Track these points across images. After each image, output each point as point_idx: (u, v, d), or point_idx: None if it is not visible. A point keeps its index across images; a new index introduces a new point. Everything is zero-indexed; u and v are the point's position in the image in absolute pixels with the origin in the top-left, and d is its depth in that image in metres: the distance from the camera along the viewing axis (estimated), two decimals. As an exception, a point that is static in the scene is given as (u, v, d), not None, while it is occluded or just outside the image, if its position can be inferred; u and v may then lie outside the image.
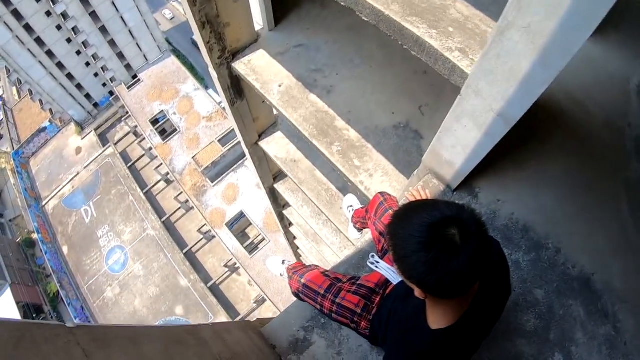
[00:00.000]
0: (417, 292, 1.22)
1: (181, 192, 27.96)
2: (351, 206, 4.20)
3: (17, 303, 28.23)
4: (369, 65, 3.37)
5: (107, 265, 27.91)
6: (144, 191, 29.48)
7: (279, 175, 6.42)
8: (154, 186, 30.25)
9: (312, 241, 7.33)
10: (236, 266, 26.32)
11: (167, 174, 28.89)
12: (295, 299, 2.48)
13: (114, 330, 1.11)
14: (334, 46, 3.46)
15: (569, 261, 2.13)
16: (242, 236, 27.00)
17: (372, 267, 2.10)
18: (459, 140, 2.03)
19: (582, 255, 2.13)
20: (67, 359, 0.92)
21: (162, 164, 28.86)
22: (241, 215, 26.22)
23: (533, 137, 2.42)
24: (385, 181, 3.01)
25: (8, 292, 28.33)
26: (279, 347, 2.36)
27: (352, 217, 3.62)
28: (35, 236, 30.72)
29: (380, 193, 2.42)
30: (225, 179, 26.95)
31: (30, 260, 32.25)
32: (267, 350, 2.26)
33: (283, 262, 3.67)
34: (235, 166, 26.91)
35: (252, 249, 26.08)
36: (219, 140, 27.36)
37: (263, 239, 25.74)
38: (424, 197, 2.34)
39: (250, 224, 26.45)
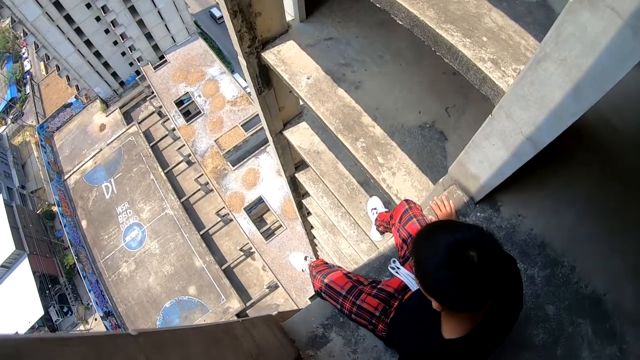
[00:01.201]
0: (435, 305, 1.30)
1: (202, 174, 28.20)
2: (375, 209, 4.26)
3: (34, 273, 28.82)
4: (398, 62, 3.35)
5: (125, 241, 28.35)
6: (165, 171, 29.79)
7: (301, 165, 6.43)
8: (175, 166, 30.53)
9: (329, 232, 7.34)
10: (251, 251, 26.51)
11: (189, 155, 29.14)
12: (317, 297, 2.54)
13: (166, 334, 1.19)
14: (364, 41, 3.44)
15: (583, 280, 2.14)
16: (259, 221, 27.17)
17: (393, 272, 2.19)
18: (487, 157, 2.07)
19: (596, 275, 2.14)
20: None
21: (184, 145, 29.11)
22: (260, 200, 26.37)
23: (557, 153, 2.38)
24: (407, 180, 3.01)
25: (26, 262, 28.93)
26: (298, 341, 2.40)
27: (376, 219, 3.68)
28: (55, 209, 31.31)
29: (405, 200, 2.48)
30: (246, 164, 27.09)
31: (49, 232, 32.89)
32: (287, 344, 2.30)
33: (305, 258, 3.75)
34: (257, 151, 27.01)
35: (268, 234, 26.25)
36: (242, 125, 27.46)
37: (280, 226, 25.88)
38: (448, 207, 2.41)
39: (268, 209, 26.60)
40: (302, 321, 2.52)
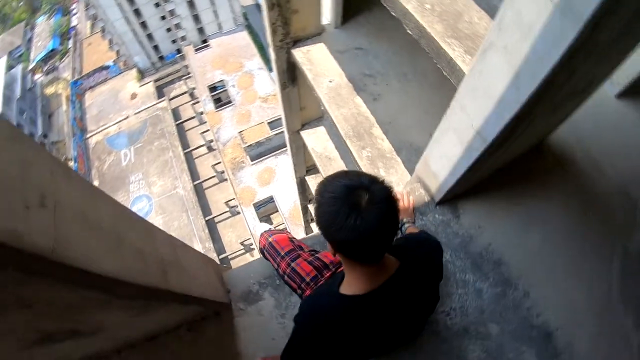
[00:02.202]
0: (328, 246, 1.32)
1: (219, 162, 28.37)
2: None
3: None
4: (420, 83, 3.43)
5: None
6: (185, 151, 30.02)
7: (312, 169, 6.51)
8: (195, 149, 30.75)
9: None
10: (252, 247, 26.54)
11: (211, 141, 29.36)
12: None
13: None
14: (392, 57, 3.53)
15: (535, 308, 2.11)
16: (265, 220, 27.15)
17: None
18: (445, 153, 2.08)
19: (552, 307, 2.10)
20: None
21: (208, 130, 29.34)
22: (270, 199, 26.43)
23: (536, 177, 2.41)
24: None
25: None
26: (233, 292, 2.45)
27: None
28: (71, 164, 31.60)
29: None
30: (264, 161, 27.20)
31: (60, 187, 33.24)
32: (222, 290, 2.35)
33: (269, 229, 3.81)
34: (277, 152, 27.10)
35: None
36: (268, 123, 27.62)
37: (285, 229, 25.81)
38: (406, 202, 2.46)
39: (277, 211, 26.63)
40: (240, 275, 2.56)
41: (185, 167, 29.18)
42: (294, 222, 25.11)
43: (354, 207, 1.17)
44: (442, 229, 2.43)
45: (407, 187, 2.65)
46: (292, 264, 2.15)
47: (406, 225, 2.29)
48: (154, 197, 28.72)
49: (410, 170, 3.13)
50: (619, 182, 2.27)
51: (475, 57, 1.52)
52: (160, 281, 1.36)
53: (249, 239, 26.19)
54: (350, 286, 1.41)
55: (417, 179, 2.60)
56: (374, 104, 3.35)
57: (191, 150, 30.66)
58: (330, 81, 3.42)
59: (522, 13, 1.21)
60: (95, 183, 29.74)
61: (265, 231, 2.47)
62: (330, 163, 4.91)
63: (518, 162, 2.41)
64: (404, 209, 2.42)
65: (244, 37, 32.59)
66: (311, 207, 7.76)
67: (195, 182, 28.99)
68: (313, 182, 6.55)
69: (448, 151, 2.03)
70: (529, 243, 2.29)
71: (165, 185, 29.10)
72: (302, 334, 1.56)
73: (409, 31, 2.05)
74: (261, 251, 2.40)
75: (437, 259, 1.67)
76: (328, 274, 2.08)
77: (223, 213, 28.33)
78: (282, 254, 2.23)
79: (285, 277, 2.17)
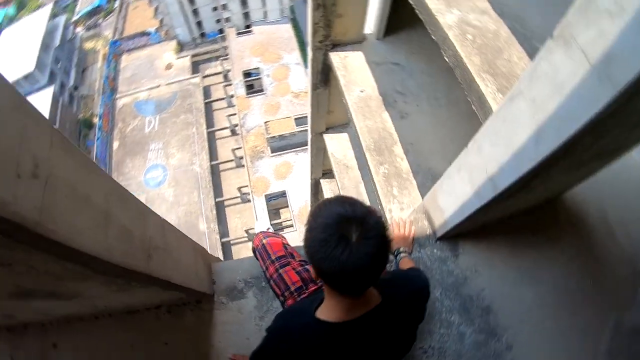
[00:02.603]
0: (310, 268, 1.31)
1: (240, 147, 28.46)
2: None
3: None
4: (450, 110, 3.39)
5: (144, 176, 28.74)
6: (208, 130, 30.18)
7: (329, 173, 6.50)
8: (218, 130, 30.93)
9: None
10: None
11: (236, 125, 29.47)
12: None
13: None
14: (427, 79, 3.50)
15: None
16: (274, 213, 27.20)
17: None
18: (454, 190, 2.03)
19: None
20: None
21: (235, 114, 29.48)
22: (283, 194, 26.44)
23: (544, 231, 2.31)
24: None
25: None
26: (218, 285, 2.44)
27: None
28: (95, 120, 31.90)
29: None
30: (284, 155, 27.22)
31: (81, 139, 33.51)
32: (207, 281, 2.36)
33: (268, 229, 3.78)
34: (298, 148, 27.11)
35: (277, 229, 26.25)
36: (295, 118, 27.65)
37: (291, 226, 25.86)
38: (407, 230, 2.41)
39: (287, 206, 26.65)
40: (229, 269, 2.55)
41: (206, 146, 29.33)
42: (302, 220, 25.09)
43: (343, 239, 1.12)
44: (438, 265, 2.36)
45: (411, 215, 2.61)
46: (280, 270, 2.13)
47: (402, 254, 2.25)
48: (170, 168, 28.91)
49: (423, 195, 3.08)
50: (630, 253, 2.17)
51: (502, 101, 1.46)
52: (143, 265, 1.35)
53: (253, 228, 26.24)
54: (327, 311, 1.37)
55: (423, 209, 2.55)
56: (401, 121, 3.31)
57: (214, 131, 30.81)
58: (362, 91, 3.39)
59: (557, 67, 1.14)
60: (115, 144, 30.06)
61: (261, 231, 2.46)
62: (347, 171, 4.89)
63: (529, 212, 2.33)
64: (403, 237, 2.38)
65: (287, 29, 32.69)
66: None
67: (213, 163, 29.13)
68: (327, 186, 6.54)
69: (458, 189, 1.97)
70: (522, 298, 2.22)
71: (182, 159, 29.28)
72: (270, 346, 1.53)
73: (445, 58, 2.00)
74: (253, 250, 2.38)
75: (421, 302, 1.62)
76: (313, 288, 2.05)
77: (234, 198, 28.43)
78: (273, 258, 2.21)
79: (271, 281, 2.15)
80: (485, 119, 1.79)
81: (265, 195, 26.20)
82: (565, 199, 2.34)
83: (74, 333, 2.14)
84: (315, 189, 7.10)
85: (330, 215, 1.17)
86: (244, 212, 28.16)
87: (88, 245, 1.03)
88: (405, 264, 2.16)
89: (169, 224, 1.83)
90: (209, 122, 30.97)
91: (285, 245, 2.33)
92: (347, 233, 1.13)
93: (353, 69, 3.47)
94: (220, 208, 28.00)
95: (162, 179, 28.67)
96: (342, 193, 4.90)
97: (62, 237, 0.93)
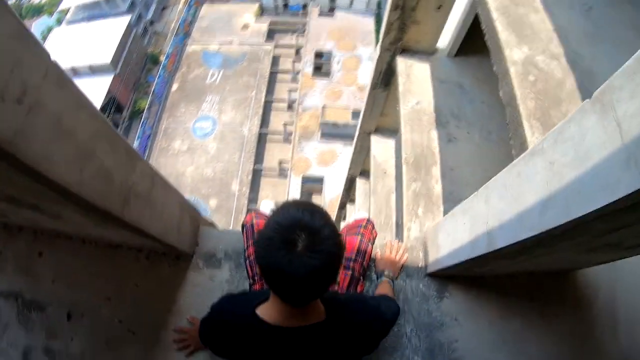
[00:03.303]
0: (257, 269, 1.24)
1: (292, 124, 28.67)
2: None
3: (108, 92, 29.36)
4: (499, 147, 3.27)
5: (193, 125, 29.26)
6: (265, 99, 30.48)
7: (366, 173, 6.46)
8: (276, 102, 31.18)
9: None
10: (280, 212, 26.64)
11: (294, 101, 29.66)
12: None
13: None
14: (485, 109, 3.38)
15: None
16: (306, 195, 27.36)
17: None
18: (455, 231, 1.93)
19: None
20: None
21: (296, 90, 29.65)
22: (321, 180, 26.51)
23: (542, 304, 2.18)
24: (428, 245, 2.97)
25: (108, 79, 29.50)
26: (199, 248, 2.46)
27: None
28: (162, 58, 32.43)
29: (368, 220, 2.40)
30: (332, 143, 27.25)
31: (144, 72, 34.20)
32: (189, 240, 2.38)
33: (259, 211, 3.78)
34: (348, 141, 27.06)
35: (299, 213, 26.25)
36: (353, 111, 27.61)
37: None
38: (398, 255, 2.34)
39: (320, 193, 26.72)
40: (215, 236, 2.55)
41: (260, 113, 29.61)
42: (330, 211, 25.08)
43: (288, 244, 1.07)
44: (419, 301, 2.26)
45: (409, 242, 2.54)
46: None
47: (384, 277, 2.19)
48: (220, 124, 29.30)
49: (447, 224, 3.02)
50: (626, 356, 2.03)
51: (523, 154, 1.33)
52: (117, 208, 1.36)
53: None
54: (267, 311, 1.34)
55: (422, 241, 2.48)
56: (447, 144, 3.22)
57: (271, 101, 31.06)
58: (417, 103, 3.32)
59: (585, 134, 0.99)
60: (175, 86, 30.60)
61: (255, 210, 2.44)
62: (383, 177, 4.83)
63: (532, 278, 2.23)
64: (392, 261, 2.31)
65: (369, 23, 32.45)
66: (348, 207, 7.74)
67: (262, 131, 29.41)
68: (361, 186, 6.51)
69: (458, 232, 1.87)
70: None
71: (234, 119, 29.63)
72: (207, 324, 1.58)
73: (500, 92, 1.92)
74: (242, 227, 2.35)
75: (374, 336, 1.52)
76: None
77: (271, 170, 28.68)
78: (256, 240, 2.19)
79: (247, 261, 2.14)
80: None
81: (303, 177, 26.31)
82: (575, 276, 2.21)
83: (60, 249, 2.31)
84: (349, 185, 7.08)
85: (286, 217, 1.13)
86: (277, 186, 28.36)
87: (59, 174, 1.06)
88: (383, 288, 2.10)
89: (162, 177, 1.84)
90: (269, 90, 31.20)
91: None
92: (294, 240, 1.07)
93: (415, 79, 3.39)
94: (256, 175, 28.28)
95: (210, 132, 29.08)
96: (373, 197, 4.86)
97: (32, 160, 0.96)
